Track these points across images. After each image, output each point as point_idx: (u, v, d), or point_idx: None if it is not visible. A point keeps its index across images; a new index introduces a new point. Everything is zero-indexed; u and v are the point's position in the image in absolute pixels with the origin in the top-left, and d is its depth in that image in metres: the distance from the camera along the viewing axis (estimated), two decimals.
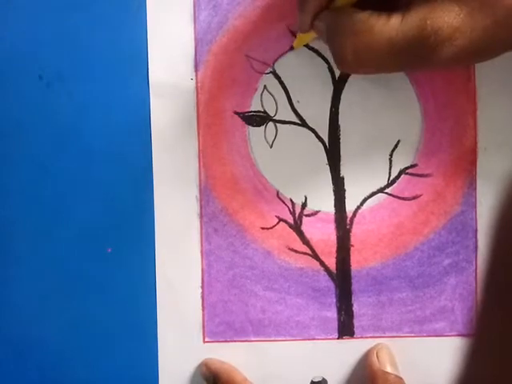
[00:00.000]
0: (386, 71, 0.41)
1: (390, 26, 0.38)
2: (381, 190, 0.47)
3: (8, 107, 0.47)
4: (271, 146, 0.47)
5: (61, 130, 0.47)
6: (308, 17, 0.42)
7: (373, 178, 0.47)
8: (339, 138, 0.47)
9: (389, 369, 0.46)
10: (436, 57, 0.38)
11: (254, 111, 0.47)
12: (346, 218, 0.47)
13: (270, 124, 0.47)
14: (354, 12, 0.40)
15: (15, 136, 0.47)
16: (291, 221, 0.47)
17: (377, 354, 0.47)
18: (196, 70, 0.47)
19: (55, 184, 0.47)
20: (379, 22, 0.38)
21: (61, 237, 0.48)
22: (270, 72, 0.47)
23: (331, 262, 0.48)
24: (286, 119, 0.47)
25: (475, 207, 0.47)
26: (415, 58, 0.39)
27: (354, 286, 0.48)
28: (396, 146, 0.47)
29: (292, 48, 0.47)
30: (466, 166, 0.47)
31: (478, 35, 0.37)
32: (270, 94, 0.47)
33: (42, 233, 0.48)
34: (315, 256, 0.47)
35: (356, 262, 0.47)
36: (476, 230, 0.47)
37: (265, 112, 0.47)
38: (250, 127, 0.47)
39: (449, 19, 0.37)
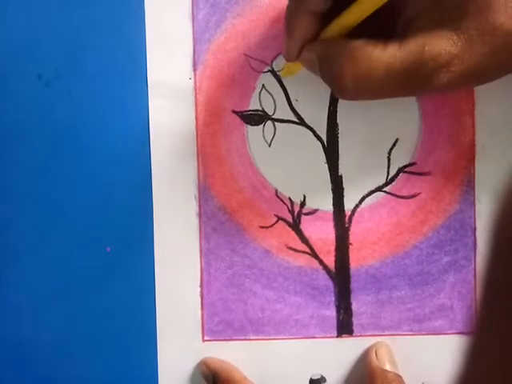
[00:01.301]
0: (385, 97, 0.41)
1: (387, 53, 0.38)
2: (379, 189, 0.47)
3: (7, 106, 0.47)
4: (270, 145, 0.47)
5: (60, 129, 0.47)
6: (295, 46, 0.42)
7: (371, 176, 0.47)
8: (337, 137, 0.47)
9: (388, 367, 0.46)
10: (434, 82, 0.38)
11: (253, 110, 0.47)
12: (345, 216, 0.47)
13: (269, 123, 0.47)
14: (348, 40, 0.39)
15: (14, 135, 0.47)
16: (290, 219, 0.47)
17: (376, 352, 0.47)
18: (194, 70, 0.47)
19: (54, 183, 0.47)
20: (376, 48, 0.38)
21: (60, 236, 0.48)
22: (269, 71, 0.47)
23: (330, 261, 0.48)
24: (285, 118, 0.47)
25: (474, 205, 0.47)
26: (413, 83, 0.39)
27: (353, 285, 0.48)
28: (394, 144, 0.47)
29: (280, 73, 0.47)
30: (464, 164, 0.47)
31: (475, 62, 0.37)
32: (269, 92, 0.47)
33: (41, 232, 0.48)
34: (314, 255, 0.48)
35: (355, 260, 0.48)
36: (474, 228, 0.47)
37: (263, 111, 0.47)
38: (248, 126, 0.47)
39: (447, 46, 0.37)
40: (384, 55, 0.38)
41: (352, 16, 0.39)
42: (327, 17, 0.41)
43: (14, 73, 0.47)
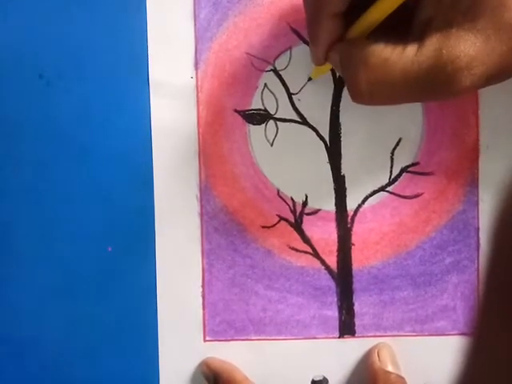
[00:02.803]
0: (402, 102, 0.40)
1: (405, 57, 0.37)
2: (382, 189, 0.47)
3: (8, 106, 0.47)
4: (272, 145, 0.47)
5: (61, 129, 0.47)
6: (321, 50, 0.41)
7: (374, 176, 0.47)
8: (340, 136, 0.47)
9: (390, 368, 0.46)
10: (453, 86, 0.37)
11: (255, 109, 0.47)
12: (347, 216, 0.47)
13: (271, 122, 0.47)
14: (367, 44, 0.39)
15: (15, 135, 0.47)
16: (292, 219, 0.47)
17: (378, 353, 0.46)
18: (196, 68, 0.47)
19: (55, 183, 0.47)
20: (394, 53, 0.37)
21: (61, 236, 0.48)
22: (271, 70, 0.47)
23: (332, 261, 0.47)
24: (287, 117, 0.47)
25: (477, 205, 0.47)
26: (432, 88, 0.37)
27: (355, 285, 0.47)
28: (397, 144, 0.47)
29: (310, 79, 0.47)
30: (467, 164, 0.47)
31: (494, 61, 0.36)
32: (271, 91, 0.47)
33: (42, 232, 0.47)
34: (316, 255, 0.47)
35: (357, 260, 0.47)
36: (478, 229, 0.47)
37: (265, 110, 0.47)
38: (250, 125, 0.47)
39: (465, 48, 0.36)
40: (401, 60, 0.37)
41: (373, 15, 0.38)
42: (351, 16, 0.40)
43: (15, 72, 0.47)
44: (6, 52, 0.47)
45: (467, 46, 0.36)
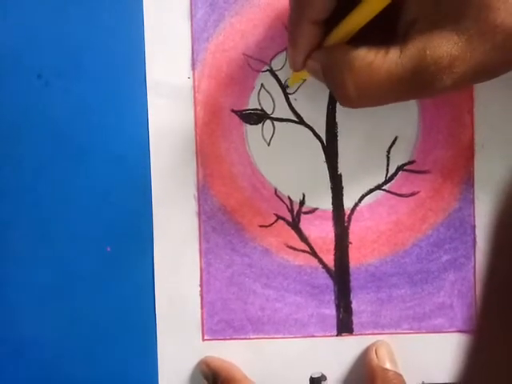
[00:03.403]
0: (389, 103, 0.41)
1: (389, 60, 0.38)
2: (378, 187, 0.47)
3: (6, 106, 0.47)
4: (269, 144, 0.47)
5: (59, 129, 0.47)
6: (300, 56, 0.42)
7: (370, 174, 0.47)
8: (336, 136, 0.47)
9: (388, 365, 0.46)
10: (437, 85, 0.38)
11: (252, 109, 0.47)
12: (344, 215, 0.47)
13: (268, 122, 0.47)
14: (350, 48, 0.39)
15: (13, 135, 0.47)
16: (289, 218, 0.47)
17: (376, 350, 0.47)
18: (193, 69, 0.47)
19: (53, 183, 0.47)
20: (378, 56, 0.38)
21: (60, 236, 0.48)
22: (267, 70, 0.47)
23: (329, 260, 0.48)
24: (284, 117, 0.47)
25: (473, 203, 0.47)
26: (416, 88, 0.38)
27: (353, 283, 0.48)
28: (393, 142, 0.47)
29: (287, 86, 0.47)
30: (463, 162, 0.47)
31: (477, 61, 0.37)
32: (268, 92, 0.47)
33: (41, 232, 0.48)
34: (314, 253, 0.48)
35: (354, 259, 0.48)
36: (474, 226, 0.47)
37: (262, 110, 0.47)
38: (247, 125, 0.47)
39: (448, 48, 0.37)
40: (385, 63, 0.38)
41: (353, 22, 0.39)
42: (330, 24, 0.40)
43: (14, 72, 0.47)
44: (5, 52, 0.47)
45: (450, 46, 0.37)
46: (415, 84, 0.38)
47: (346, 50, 0.39)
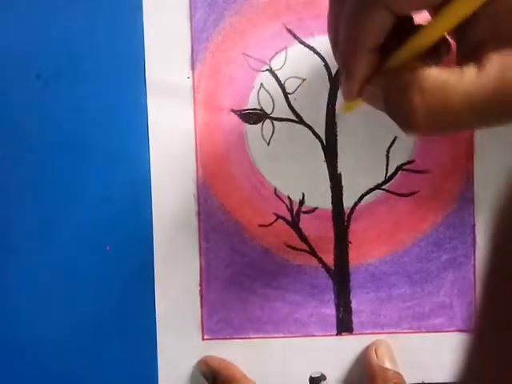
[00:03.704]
0: (464, 130, 0.36)
1: (466, 79, 0.33)
2: (378, 187, 0.47)
3: (5, 106, 0.47)
4: (268, 144, 0.47)
5: (58, 129, 0.47)
6: (357, 85, 0.37)
7: (370, 174, 0.47)
8: (336, 135, 0.47)
9: (388, 365, 0.46)
10: None
11: (251, 109, 0.47)
12: (344, 214, 0.47)
13: (267, 121, 0.47)
14: (420, 67, 0.34)
15: (13, 135, 0.47)
16: (289, 218, 0.47)
17: (375, 349, 0.47)
18: (193, 69, 0.47)
19: (53, 182, 0.47)
20: (452, 76, 0.33)
21: (59, 235, 0.48)
22: (267, 70, 0.47)
23: (329, 259, 0.48)
24: (283, 116, 0.47)
25: (473, 203, 0.47)
26: (499, 112, 0.33)
27: (353, 283, 0.48)
28: (393, 142, 0.47)
29: (337, 111, 0.46)
30: (463, 161, 0.47)
31: None
32: (267, 91, 0.47)
33: (41, 231, 0.48)
34: (313, 253, 0.48)
35: (354, 258, 0.48)
36: (474, 226, 0.47)
37: (262, 109, 0.47)
38: (247, 125, 0.47)
39: None
40: (462, 83, 0.33)
41: (423, 40, 0.34)
42: (388, 48, 0.36)
43: (13, 73, 0.47)
44: (4, 52, 0.47)
45: None
46: (498, 108, 0.33)
47: (415, 68, 0.34)
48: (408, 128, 0.35)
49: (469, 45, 0.34)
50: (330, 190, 0.47)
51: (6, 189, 0.47)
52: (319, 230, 0.48)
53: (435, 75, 0.33)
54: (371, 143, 0.47)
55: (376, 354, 0.46)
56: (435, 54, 0.35)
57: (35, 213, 0.48)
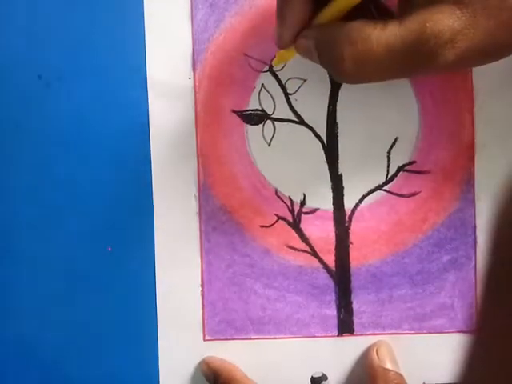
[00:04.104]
0: (388, 78, 0.40)
1: (388, 32, 0.37)
2: (379, 187, 0.47)
3: (7, 107, 0.47)
4: (269, 144, 0.47)
5: (60, 130, 0.47)
6: (289, 33, 0.41)
7: (371, 175, 0.47)
8: (337, 136, 0.47)
9: (389, 365, 0.46)
10: (438, 60, 0.37)
11: (252, 110, 0.47)
12: (345, 215, 0.47)
13: (268, 122, 0.47)
14: (346, 23, 0.38)
15: (14, 136, 0.47)
16: (290, 219, 0.48)
17: (377, 350, 0.47)
18: (194, 69, 0.47)
19: (55, 183, 0.47)
20: (376, 29, 0.37)
21: (61, 236, 0.48)
22: (268, 70, 0.47)
23: (330, 260, 0.48)
24: (284, 117, 0.47)
25: (474, 204, 0.47)
26: (416, 62, 0.37)
27: (354, 284, 0.48)
28: (394, 143, 0.47)
29: (272, 66, 0.47)
30: (464, 162, 0.47)
31: (480, 38, 0.36)
32: (268, 92, 0.47)
33: (42, 232, 0.48)
34: (314, 254, 0.48)
35: (355, 259, 0.48)
36: (475, 227, 0.47)
37: (263, 110, 0.47)
38: (248, 126, 0.47)
39: (449, 22, 0.36)
40: (384, 35, 0.37)
41: None
42: (320, 1, 0.40)
43: (15, 73, 0.47)
44: (6, 53, 0.47)
45: (452, 20, 0.36)
46: (416, 58, 0.37)
47: (342, 24, 0.38)
48: (339, 76, 0.40)
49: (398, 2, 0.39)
50: (331, 191, 0.47)
51: (6, 189, 0.48)
52: (320, 231, 0.48)
53: (360, 27, 0.38)
54: (372, 144, 0.47)
55: (377, 354, 0.46)
56: (366, 11, 0.39)
57: (36, 214, 0.48)
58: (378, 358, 0.46)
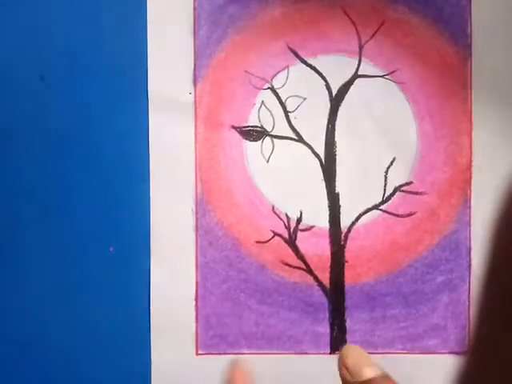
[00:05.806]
0: None
1: None
2: (376, 207, 0.47)
3: (9, 107, 0.47)
4: (268, 161, 0.47)
5: (61, 131, 0.47)
6: None
7: (368, 194, 0.47)
8: (335, 155, 0.47)
9: (366, 372, 0.40)
10: None
11: (252, 126, 0.47)
12: (341, 233, 0.48)
13: (267, 139, 0.47)
14: None
15: (16, 136, 0.47)
16: (286, 235, 0.48)
17: (345, 366, 0.40)
18: (195, 84, 0.47)
19: (56, 185, 0.48)
20: None
21: (63, 236, 0.48)
22: (268, 88, 0.47)
23: (325, 277, 0.48)
24: (283, 135, 0.47)
25: (469, 226, 0.47)
26: None
27: (348, 302, 0.48)
28: (391, 163, 0.47)
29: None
30: (460, 184, 0.47)
31: None
32: (268, 109, 0.47)
33: (45, 233, 0.48)
34: (309, 271, 0.48)
35: (350, 277, 0.48)
36: (470, 249, 0.47)
37: (262, 127, 0.47)
38: (247, 142, 0.47)
39: None
40: None
41: None
42: None
43: (17, 74, 0.47)
44: (8, 54, 0.47)
45: None
46: None
47: None
48: None
49: None
50: (327, 209, 0.48)
51: (8, 189, 0.48)
52: (316, 248, 0.48)
53: None
54: (370, 164, 0.47)
55: (346, 368, 0.37)
56: None
57: (38, 215, 0.48)
58: (349, 371, 0.41)
